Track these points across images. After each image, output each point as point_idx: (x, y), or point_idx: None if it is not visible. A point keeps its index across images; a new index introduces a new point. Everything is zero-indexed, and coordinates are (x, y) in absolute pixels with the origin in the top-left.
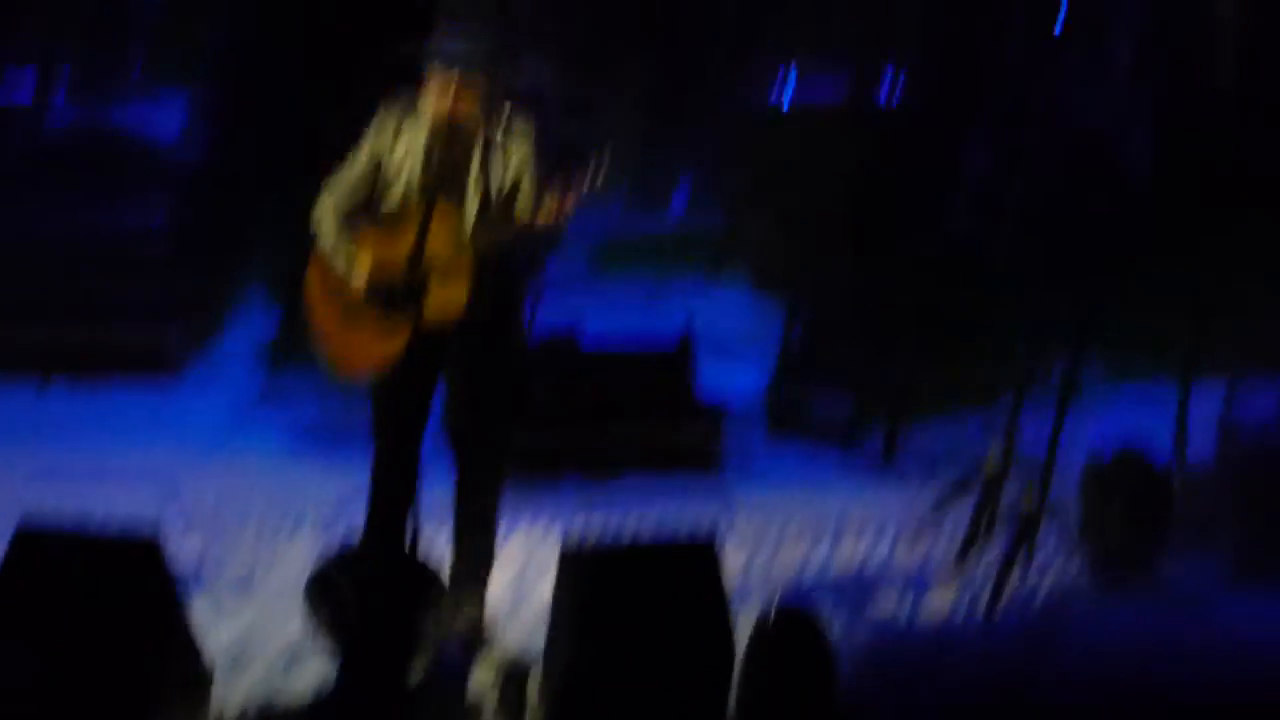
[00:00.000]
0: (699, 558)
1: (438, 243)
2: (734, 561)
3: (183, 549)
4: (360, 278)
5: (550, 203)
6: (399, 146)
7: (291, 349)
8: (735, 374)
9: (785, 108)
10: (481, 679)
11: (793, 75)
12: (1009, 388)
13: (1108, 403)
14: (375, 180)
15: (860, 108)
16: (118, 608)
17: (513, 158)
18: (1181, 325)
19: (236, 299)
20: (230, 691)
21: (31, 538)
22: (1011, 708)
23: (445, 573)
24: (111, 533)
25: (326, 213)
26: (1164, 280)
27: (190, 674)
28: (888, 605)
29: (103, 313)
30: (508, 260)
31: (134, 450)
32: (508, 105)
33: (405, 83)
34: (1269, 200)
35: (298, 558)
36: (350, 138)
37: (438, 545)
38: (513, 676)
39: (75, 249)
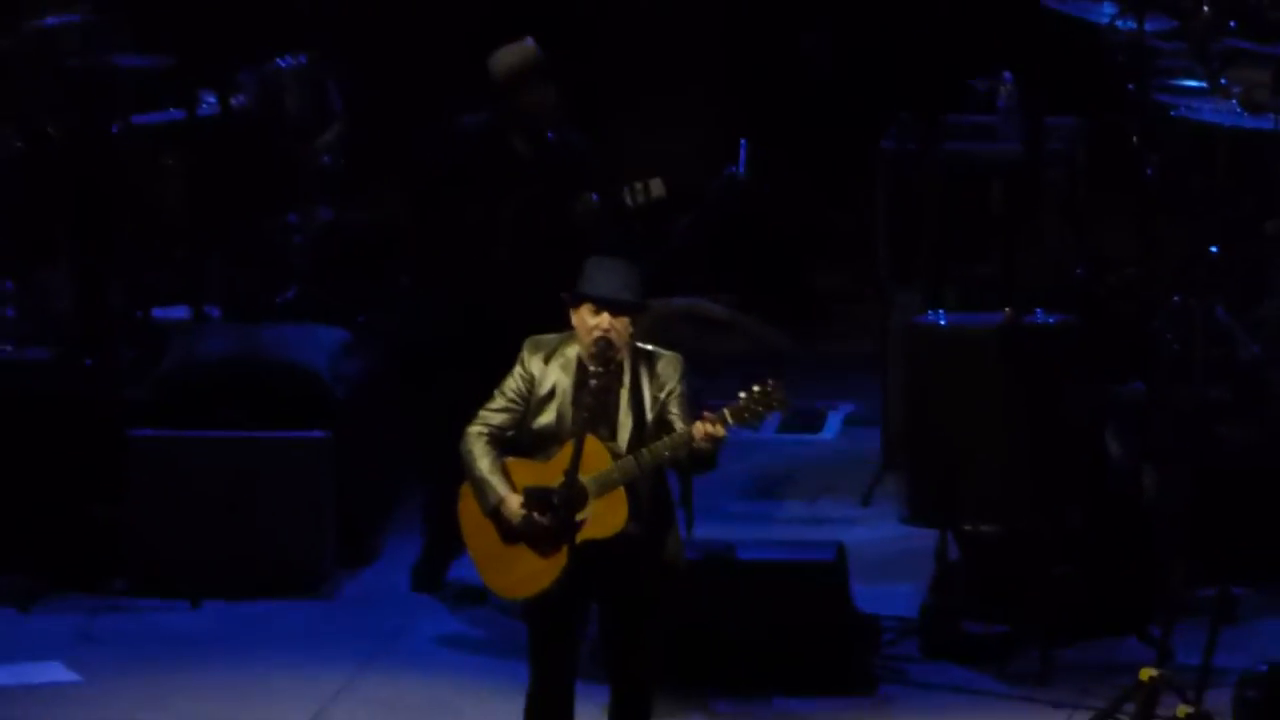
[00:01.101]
0: None
1: (590, 470)
2: None
3: None
4: (514, 505)
5: (704, 428)
6: (548, 377)
7: (445, 571)
8: (889, 596)
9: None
10: None
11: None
12: (1162, 609)
13: (1261, 619)
14: (524, 411)
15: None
16: None
17: (664, 385)
18: None
19: (389, 520)
20: None
21: None
22: None
23: None
24: None
25: (476, 441)
26: None
27: None
28: None
29: (257, 532)
30: (661, 480)
31: (283, 669)
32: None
33: (555, 314)
34: None
35: None
36: (501, 368)
37: None
38: None
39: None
